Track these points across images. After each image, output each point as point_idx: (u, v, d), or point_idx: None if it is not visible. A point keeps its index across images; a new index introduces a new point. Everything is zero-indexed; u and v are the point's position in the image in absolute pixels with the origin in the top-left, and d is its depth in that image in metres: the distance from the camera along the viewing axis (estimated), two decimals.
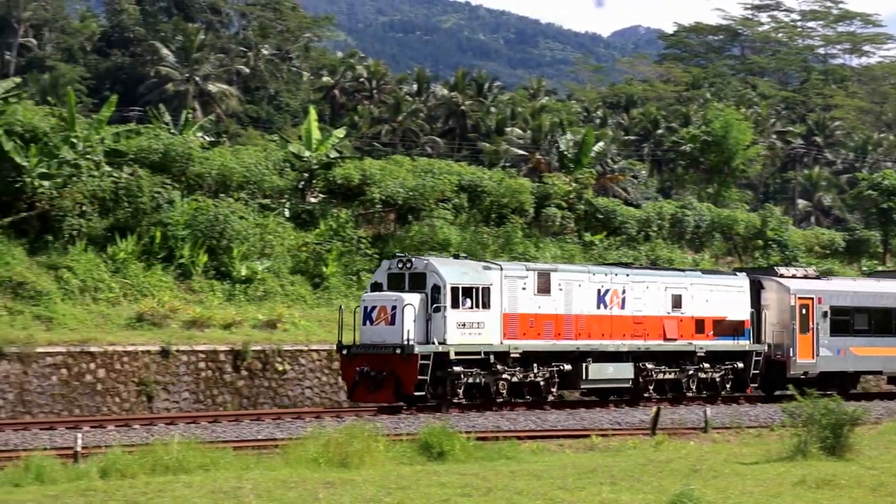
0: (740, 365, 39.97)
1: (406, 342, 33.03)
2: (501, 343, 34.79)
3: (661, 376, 38.32)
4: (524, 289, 35.68)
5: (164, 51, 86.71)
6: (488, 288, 34.65)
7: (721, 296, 39.90)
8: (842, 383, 41.64)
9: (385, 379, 33.30)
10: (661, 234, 55.94)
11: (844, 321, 42.14)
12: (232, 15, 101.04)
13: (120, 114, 63.44)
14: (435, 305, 33.70)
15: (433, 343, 33.46)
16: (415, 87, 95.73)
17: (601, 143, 70.08)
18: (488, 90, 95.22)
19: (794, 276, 42.35)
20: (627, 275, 38.32)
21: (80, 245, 38.51)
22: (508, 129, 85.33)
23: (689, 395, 38.95)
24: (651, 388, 38.10)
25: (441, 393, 33.93)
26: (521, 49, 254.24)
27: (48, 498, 18.42)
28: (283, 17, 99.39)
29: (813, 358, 41.12)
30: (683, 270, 42.22)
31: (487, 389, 34.78)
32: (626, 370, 37.28)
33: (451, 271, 34.55)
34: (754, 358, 40.14)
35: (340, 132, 54.27)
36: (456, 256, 37.96)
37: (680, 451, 27.37)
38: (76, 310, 36.66)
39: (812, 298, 41.40)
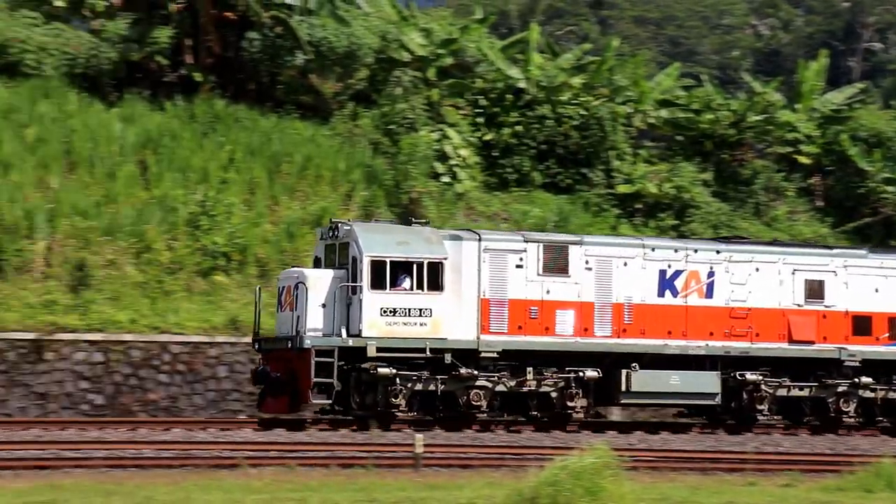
0: None
1: (297, 332, 25.58)
2: (477, 339, 26.55)
3: (782, 392, 28.63)
4: (520, 266, 27.22)
5: None
6: (441, 263, 26.22)
7: None
8: None
9: (285, 382, 25.92)
10: None
11: None
12: None
13: None
14: (352, 286, 26.06)
15: (342, 336, 25.70)
16: None
17: None
18: None
19: None
20: (718, 252, 28.90)
21: None
22: None
23: (845, 419, 28.86)
24: (761, 407, 28.31)
25: (371, 403, 26.08)
26: None
27: None
28: None
29: None
30: (831, 248, 31.32)
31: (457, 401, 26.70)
32: (705, 381, 28.00)
33: (376, 239, 26.42)
34: None
35: None
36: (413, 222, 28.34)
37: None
38: None
39: None
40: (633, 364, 27.52)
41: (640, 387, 27.61)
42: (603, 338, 27.68)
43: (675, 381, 27.95)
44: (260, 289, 27.69)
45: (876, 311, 29.28)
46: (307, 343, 25.36)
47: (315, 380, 25.42)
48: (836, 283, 29.30)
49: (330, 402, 25.87)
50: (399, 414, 25.83)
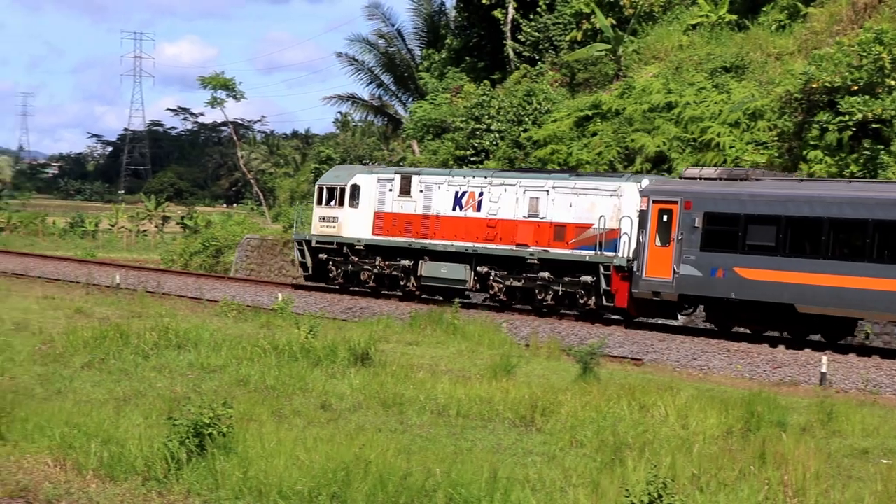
0: (589, 278, 34.76)
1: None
2: (370, 238, 40.83)
3: (504, 283, 36.88)
4: (391, 190, 40.37)
5: None
6: (343, 188, 41.36)
7: (589, 200, 35.29)
8: (722, 311, 32.80)
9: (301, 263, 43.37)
10: None
11: (727, 233, 32.07)
12: None
13: None
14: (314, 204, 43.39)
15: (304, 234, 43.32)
16: None
17: None
18: None
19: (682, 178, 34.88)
20: (486, 177, 38.52)
21: None
22: None
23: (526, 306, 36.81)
24: (491, 292, 37.29)
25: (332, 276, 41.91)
26: None
27: None
28: None
29: (668, 276, 33.02)
30: (549, 172, 39.17)
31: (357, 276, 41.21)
32: (459, 271, 37.89)
33: (328, 175, 43.77)
34: (603, 272, 34.22)
35: None
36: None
37: None
38: None
39: (676, 202, 32.93)
40: (424, 256, 39.02)
41: (427, 272, 39.00)
42: (422, 238, 39.10)
43: (444, 270, 38.50)
44: None
45: (569, 221, 35.44)
46: (293, 236, 44.96)
47: (298, 260, 43.23)
48: (546, 200, 36.08)
49: (307, 273, 42.63)
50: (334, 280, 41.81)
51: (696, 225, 32.36)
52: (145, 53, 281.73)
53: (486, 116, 51.65)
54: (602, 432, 17.19)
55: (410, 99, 71.93)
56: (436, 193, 39.00)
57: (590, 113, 48.00)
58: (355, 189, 40.85)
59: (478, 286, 37.82)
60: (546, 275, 35.64)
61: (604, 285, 34.17)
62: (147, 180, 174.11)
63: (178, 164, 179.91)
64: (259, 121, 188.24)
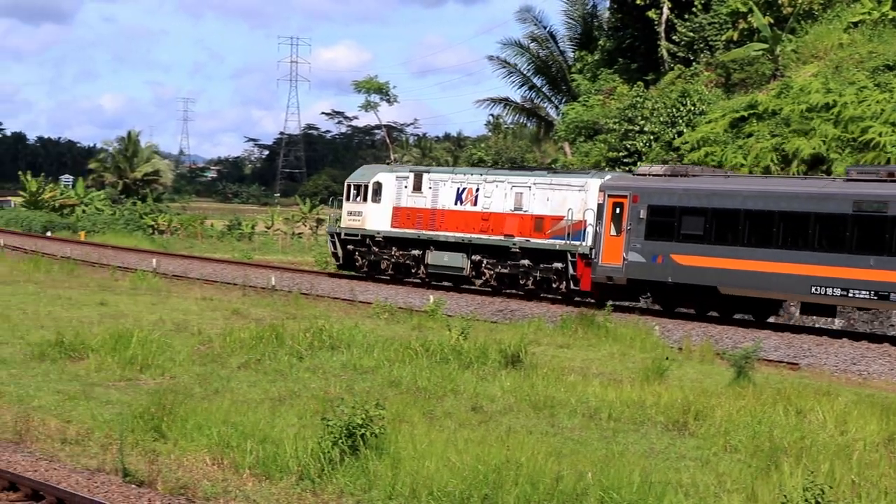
0: (560, 265, 38.73)
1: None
2: (388, 230, 44.58)
3: (493, 270, 41.00)
4: (406, 187, 44.04)
5: None
6: (367, 185, 45.16)
7: (562, 195, 38.94)
8: (663, 294, 36.94)
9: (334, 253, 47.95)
10: None
11: (666, 223, 35.86)
12: None
13: None
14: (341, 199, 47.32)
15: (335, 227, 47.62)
16: None
17: None
18: None
19: (636, 174, 39.25)
20: (481, 175, 42.57)
21: None
22: None
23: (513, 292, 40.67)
24: (483, 277, 41.44)
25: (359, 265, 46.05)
26: None
27: None
28: None
29: (619, 262, 36.71)
30: (531, 170, 43.32)
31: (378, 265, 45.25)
32: (458, 259, 41.92)
33: (355, 174, 47.30)
34: (570, 259, 38.10)
35: None
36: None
37: None
38: None
39: (626, 196, 36.78)
40: (430, 246, 42.86)
41: (432, 261, 42.83)
42: (429, 230, 42.88)
43: (446, 259, 42.35)
44: None
45: (546, 214, 39.28)
46: (328, 230, 50.25)
47: (331, 250, 47.46)
48: (529, 195, 40.07)
49: (338, 263, 46.73)
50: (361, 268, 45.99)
51: (641, 216, 36.31)
52: (301, 58, 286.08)
53: (639, 118, 51.28)
54: (757, 437, 16.93)
55: (563, 101, 71.73)
56: (442, 189, 42.83)
57: (745, 114, 47.32)
58: (378, 186, 44.88)
59: (473, 273, 41.74)
60: (526, 262, 39.77)
61: (571, 271, 38.18)
62: (302, 183, 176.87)
63: (332, 167, 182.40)
64: (412, 124, 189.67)
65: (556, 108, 73.62)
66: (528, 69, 73.60)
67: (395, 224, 44.07)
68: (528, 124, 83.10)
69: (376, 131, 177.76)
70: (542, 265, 39.17)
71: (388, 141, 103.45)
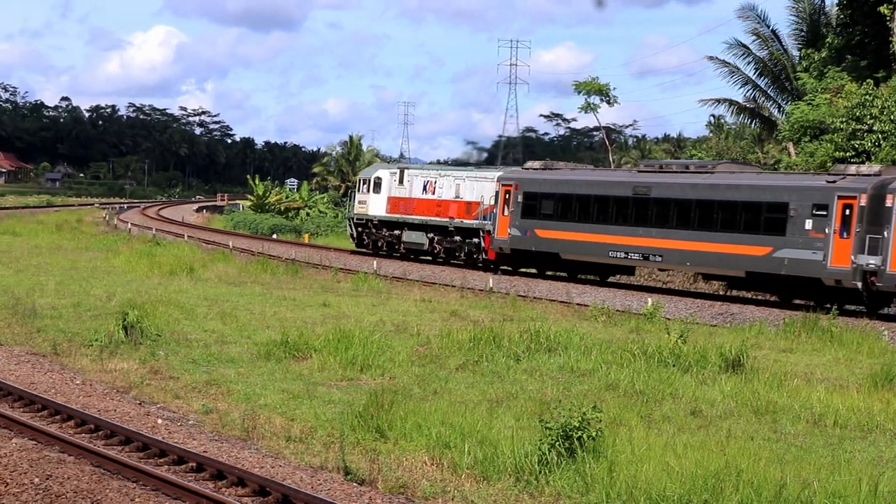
0: (476, 240, 50.44)
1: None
2: (382, 215, 55.88)
3: (442, 245, 52.19)
4: (395, 181, 55.34)
5: None
6: (371, 179, 56.69)
7: (481, 185, 50.30)
8: (537, 260, 48.08)
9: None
10: None
11: (533, 206, 47.03)
12: None
13: None
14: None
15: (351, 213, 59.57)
16: None
17: None
18: None
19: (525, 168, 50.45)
20: (438, 171, 54.41)
21: None
22: None
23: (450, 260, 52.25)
24: (435, 251, 52.64)
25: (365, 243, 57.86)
26: None
27: None
28: None
29: (506, 236, 47.71)
30: (467, 166, 57.74)
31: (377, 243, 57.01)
32: (421, 238, 53.33)
33: (365, 170, 60.41)
34: (483, 235, 49.70)
35: None
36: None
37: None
38: None
39: (512, 185, 47.98)
40: (405, 227, 54.20)
41: (406, 239, 54.28)
42: (405, 215, 54.12)
43: (413, 237, 53.72)
44: None
45: (473, 200, 50.52)
46: (347, 214, 62.35)
47: (349, 232, 59.49)
48: (464, 186, 51.37)
49: (354, 242, 58.23)
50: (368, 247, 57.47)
51: (519, 201, 47.48)
52: (521, 61, 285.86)
53: (868, 117, 49.67)
54: None
55: (786, 100, 70.07)
56: (415, 182, 54.11)
57: None
58: (378, 180, 56.20)
59: (431, 248, 52.73)
60: (458, 238, 51.44)
61: (483, 244, 49.76)
62: None
63: None
64: (631, 125, 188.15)
65: (780, 107, 71.95)
66: (751, 69, 72.17)
67: (388, 211, 55.40)
68: (752, 125, 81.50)
69: (595, 133, 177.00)
70: (467, 240, 50.92)
71: (606, 142, 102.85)
